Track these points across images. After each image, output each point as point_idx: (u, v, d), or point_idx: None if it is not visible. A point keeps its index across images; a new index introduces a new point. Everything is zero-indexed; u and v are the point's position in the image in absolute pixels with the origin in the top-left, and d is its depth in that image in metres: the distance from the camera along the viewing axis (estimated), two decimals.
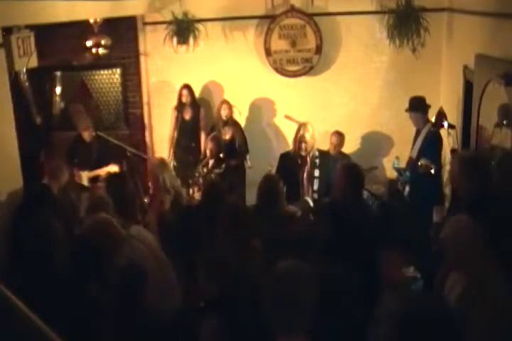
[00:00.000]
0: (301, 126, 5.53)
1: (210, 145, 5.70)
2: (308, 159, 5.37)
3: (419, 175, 5.24)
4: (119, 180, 4.23)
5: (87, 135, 6.31)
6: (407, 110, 5.66)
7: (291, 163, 5.41)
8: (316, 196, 5.32)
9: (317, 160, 5.40)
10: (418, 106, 5.58)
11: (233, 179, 6.24)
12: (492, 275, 2.61)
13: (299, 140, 5.41)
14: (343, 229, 3.32)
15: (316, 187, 5.35)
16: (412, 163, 5.47)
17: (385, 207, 5.05)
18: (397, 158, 5.68)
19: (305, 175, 5.38)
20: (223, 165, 5.69)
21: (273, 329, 2.08)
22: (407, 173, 5.46)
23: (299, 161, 5.40)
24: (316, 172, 5.37)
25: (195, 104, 6.95)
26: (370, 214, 4.04)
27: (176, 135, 6.94)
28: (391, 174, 6.29)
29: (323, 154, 5.55)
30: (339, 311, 2.39)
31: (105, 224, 3.33)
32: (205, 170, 5.74)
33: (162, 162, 5.18)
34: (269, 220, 3.78)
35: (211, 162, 5.71)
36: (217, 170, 5.64)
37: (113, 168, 6.12)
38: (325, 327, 2.14)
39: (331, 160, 5.60)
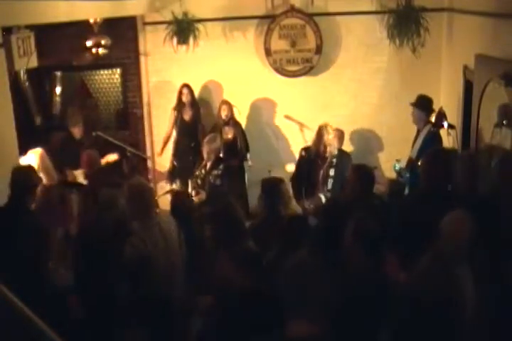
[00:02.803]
0: (322, 128, 5.51)
1: (206, 147, 5.69)
2: (327, 158, 5.45)
3: (418, 175, 5.22)
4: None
5: (76, 131, 6.27)
6: (412, 104, 5.61)
7: (311, 158, 5.51)
8: (329, 195, 5.37)
9: (334, 160, 5.45)
10: (425, 105, 5.55)
11: (233, 179, 6.24)
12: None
13: (324, 144, 5.43)
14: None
15: (329, 186, 5.40)
16: (411, 163, 5.46)
17: (385, 207, 5.04)
18: (397, 160, 5.66)
19: (321, 173, 5.43)
20: (221, 167, 5.68)
21: (285, 313, 2.17)
22: (407, 174, 5.45)
23: (318, 159, 5.46)
24: (332, 172, 5.43)
25: (195, 103, 6.95)
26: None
27: (175, 135, 6.96)
28: (391, 174, 6.29)
29: (342, 154, 5.62)
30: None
31: None
32: (203, 171, 5.74)
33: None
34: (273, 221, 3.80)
35: (209, 164, 5.71)
36: (215, 172, 5.64)
37: (112, 157, 6.14)
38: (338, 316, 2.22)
39: (350, 160, 5.63)
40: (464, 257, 2.84)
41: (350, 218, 3.14)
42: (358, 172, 4.04)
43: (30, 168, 4.04)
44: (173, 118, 6.96)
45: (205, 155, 5.70)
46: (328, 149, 5.43)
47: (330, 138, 5.44)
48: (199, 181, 5.70)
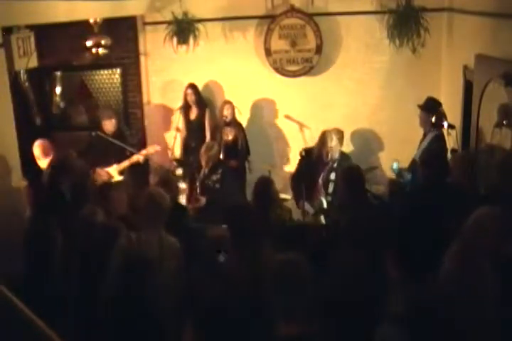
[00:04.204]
0: (326, 133, 5.57)
1: (204, 156, 5.65)
2: (328, 162, 5.45)
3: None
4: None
5: (109, 125, 6.14)
6: (419, 106, 5.59)
7: (312, 160, 5.52)
8: (330, 199, 5.34)
9: (335, 164, 5.45)
10: (431, 108, 5.50)
11: (234, 180, 6.24)
12: None
13: (326, 150, 5.47)
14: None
15: (330, 189, 5.38)
16: (414, 164, 5.47)
17: (385, 207, 5.05)
18: (396, 160, 5.67)
19: (321, 176, 5.42)
20: (220, 171, 5.66)
21: (272, 317, 2.17)
22: (408, 175, 5.45)
23: (319, 163, 5.49)
24: (332, 176, 5.40)
25: (201, 103, 6.93)
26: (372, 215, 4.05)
27: (184, 135, 6.96)
28: (391, 174, 6.29)
29: (343, 157, 5.61)
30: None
31: None
32: (201, 175, 5.72)
33: None
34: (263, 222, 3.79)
35: (207, 169, 5.70)
36: (214, 177, 5.62)
37: (153, 149, 6.20)
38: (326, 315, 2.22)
39: (351, 164, 5.63)
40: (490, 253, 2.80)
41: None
42: (345, 175, 4.05)
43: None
44: (182, 119, 6.96)
45: (203, 163, 5.68)
46: (329, 155, 5.46)
47: (333, 144, 5.48)
48: (197, 185, 5.69)
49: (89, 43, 6.45)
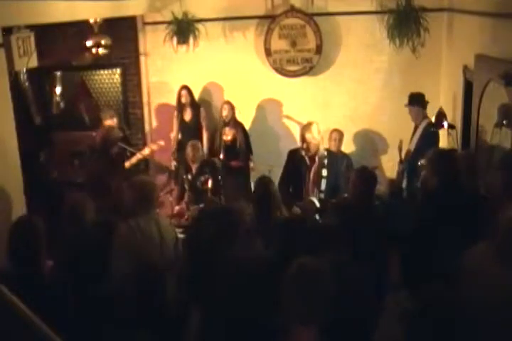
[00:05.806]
0: (305, 126, 5.36)
1: (190, 153, 5.62)
2: (316, 158, 5.27)
3: (417, 172, 5.25)
4: None
5: (110, 124, 6.07)
6: (406, 105, 5.67)
7: (298, 160, 5.29)
8: (322, 196, 5.25)
9: (325, 161, 5.25)
10: (417, 100, 5.64)
11: (237, 180, 6.22)
12: None
13: (302, 141, 5.26)
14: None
15: (323, 187, 5.27)
16: (409, 155, 5.53)
17: (385, 207, 5.05)
18: (400, 141, 5.73)
19: (312, 174, 5.29)
20: (207, 170, 5.64)
21: (287, 321, 2.15)
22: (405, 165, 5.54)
23: (307, 160, 5.24)
24: (324, 172, 5.26)
25: (195, 104, 6.95)
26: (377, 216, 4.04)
27: (179, 136, 6.96)
28: (391, 174, 6.30)
29: (331, 154, 5.42)
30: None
31: None
32: (189, 176, 5.69)
33: None
34: (265, 223, 3.78)
35: (194, 169, 5.67)
36: (202, 178, 5.60)
37: (152, 147, 6.21)
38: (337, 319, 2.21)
39: (339, 160, 5.56)
40: None
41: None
42: (362, 176, 4.02)
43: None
44: (176, 120, 6.96)
45: (190, 164, 5.65)
46: (311, 147, 5.16)
47: (308, 136, 5.16)
48: (186, 186, 5.66)
49: (89, 43, 6.45)
